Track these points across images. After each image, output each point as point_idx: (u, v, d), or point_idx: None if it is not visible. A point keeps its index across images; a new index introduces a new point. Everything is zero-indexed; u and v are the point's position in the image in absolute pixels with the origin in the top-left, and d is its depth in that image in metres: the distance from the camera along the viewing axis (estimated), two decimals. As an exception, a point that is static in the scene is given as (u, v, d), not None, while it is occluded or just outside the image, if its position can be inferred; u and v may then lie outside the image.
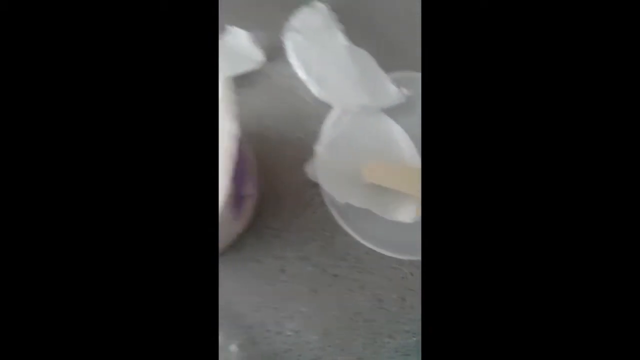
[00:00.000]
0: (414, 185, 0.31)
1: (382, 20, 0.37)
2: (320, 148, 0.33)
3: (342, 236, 0.32)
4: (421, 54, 0.19)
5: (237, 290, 0.31)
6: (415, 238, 0.24)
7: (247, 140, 0.31)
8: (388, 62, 0.34)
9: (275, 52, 0.35)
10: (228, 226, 0.28)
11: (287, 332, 0.31)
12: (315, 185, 0.32)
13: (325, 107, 0.34)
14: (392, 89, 0.34)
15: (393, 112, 0.34)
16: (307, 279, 0.32)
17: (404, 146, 0.34)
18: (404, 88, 0.34)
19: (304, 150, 0.33)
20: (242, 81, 0.34)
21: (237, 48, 0.35)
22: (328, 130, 0.34)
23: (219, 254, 0.27)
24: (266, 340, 0.31)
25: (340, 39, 0.35)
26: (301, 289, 0.32)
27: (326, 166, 0.33)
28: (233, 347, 0.31)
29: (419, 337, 0.30)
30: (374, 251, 0.31)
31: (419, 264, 0.31)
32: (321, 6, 0.36)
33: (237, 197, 0.26)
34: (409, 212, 0.32)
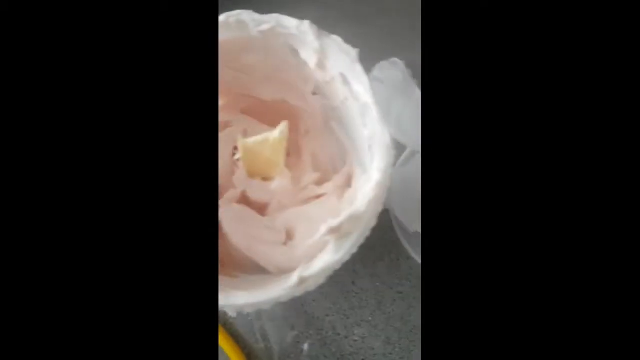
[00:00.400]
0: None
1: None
2: (393, 180, 0.40)
3: (407, 260, 0.39)
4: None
5: (313, 295, 0.38)
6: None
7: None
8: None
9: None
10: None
11: (355, 338, 0.37)
12: (386, 212, 0.40)
13: (400, 147, 0.42)
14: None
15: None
16: (374, 293, 0.38)
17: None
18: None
19: (379, 181, 0.41)
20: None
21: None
22: (400, 165, 0.41)
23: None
24: (335, 343, 0.37)
25: (416, 92, 0.43)
26: (369, 300, 0.38)
27: (397, 196, 0.40)
28: (305, 346, 0.37)
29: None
30: (434, 274, 0.38)
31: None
32: (398, 62, 0.45)
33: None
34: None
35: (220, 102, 0.34)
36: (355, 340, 0.37)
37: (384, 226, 0.40)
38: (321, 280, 0.24)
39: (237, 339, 0.37)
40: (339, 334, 0.37)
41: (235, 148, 0.32)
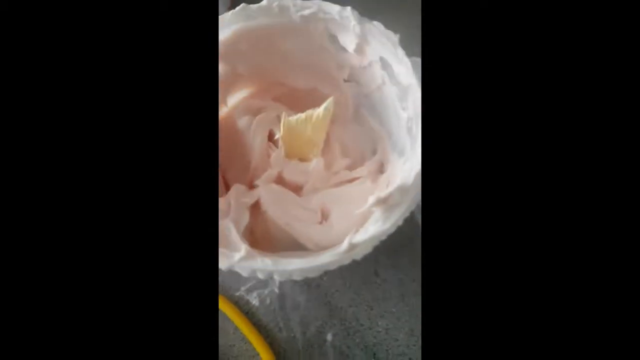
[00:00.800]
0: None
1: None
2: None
3: (429, 252, 0.40)
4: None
5: (337, 286, 0.39)
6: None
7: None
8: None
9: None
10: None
11: (378, 329, 0.38)
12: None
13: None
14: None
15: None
16: (397, 285, 0.40)
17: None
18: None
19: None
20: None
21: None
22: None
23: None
24: (358, 334, 0.38)
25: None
26: (393, 292, 0.39)
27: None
28: (329, 336, 0.38)
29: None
30: (457, 268, 0.40)
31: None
32: (419, 61, 0.47)
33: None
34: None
35: (253, 89, 0.36)
36: (379, 332, 0.38)
37: (406, 218, 0.41)
38: (368, 249, 0.25)
39: (260, 328, 0.38)
40: (362, 325, 0.38)
41: (271, 131, 0.33)
